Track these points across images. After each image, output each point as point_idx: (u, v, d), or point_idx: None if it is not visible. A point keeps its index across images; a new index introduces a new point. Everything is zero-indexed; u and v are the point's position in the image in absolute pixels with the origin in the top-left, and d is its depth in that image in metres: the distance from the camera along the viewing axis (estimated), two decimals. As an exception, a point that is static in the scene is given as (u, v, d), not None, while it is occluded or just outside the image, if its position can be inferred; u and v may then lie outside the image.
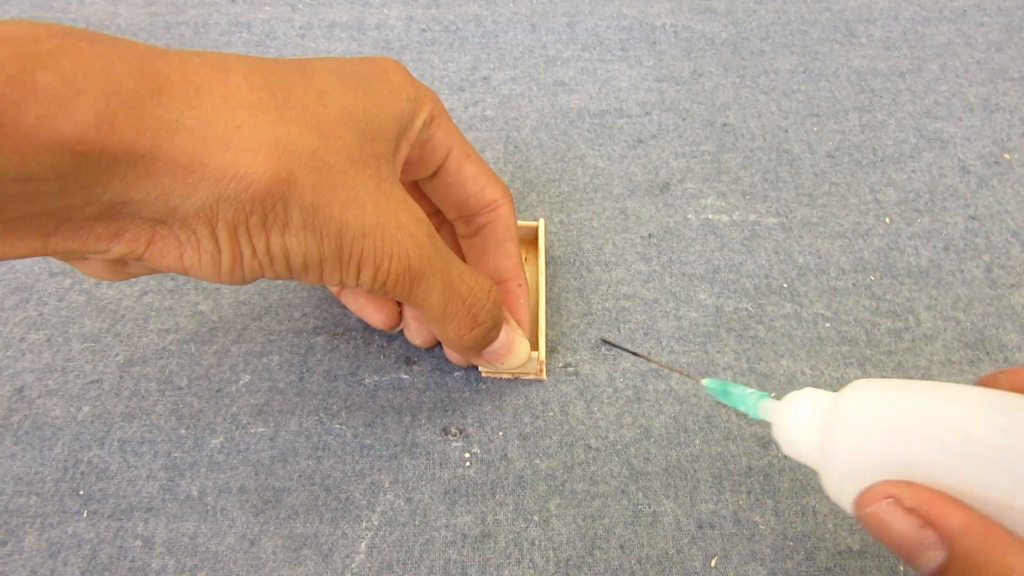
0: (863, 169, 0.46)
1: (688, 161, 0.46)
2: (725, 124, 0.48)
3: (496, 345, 0.33)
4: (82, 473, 0.35)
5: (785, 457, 0.26)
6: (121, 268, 0.27)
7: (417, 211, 0.28)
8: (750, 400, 0.27)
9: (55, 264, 0.41)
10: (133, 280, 0.40)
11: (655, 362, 0.33)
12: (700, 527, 0.33)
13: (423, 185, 0.35)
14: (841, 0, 0.54)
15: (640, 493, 0.34)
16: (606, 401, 0.37)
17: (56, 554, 0.33)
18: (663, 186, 0.45)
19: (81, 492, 0.34)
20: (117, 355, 0.38)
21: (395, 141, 0.29)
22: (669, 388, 0.37)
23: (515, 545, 0.33)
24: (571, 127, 0.47)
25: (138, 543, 0.33)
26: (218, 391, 0.37)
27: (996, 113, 0.48)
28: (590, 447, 0.35)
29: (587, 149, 0.46)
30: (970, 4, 0.54)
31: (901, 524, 0.20)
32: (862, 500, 0.21)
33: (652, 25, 0.53)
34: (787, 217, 0.43)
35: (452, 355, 0.36)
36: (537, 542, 0.33)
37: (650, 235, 0.43)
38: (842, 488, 0.22)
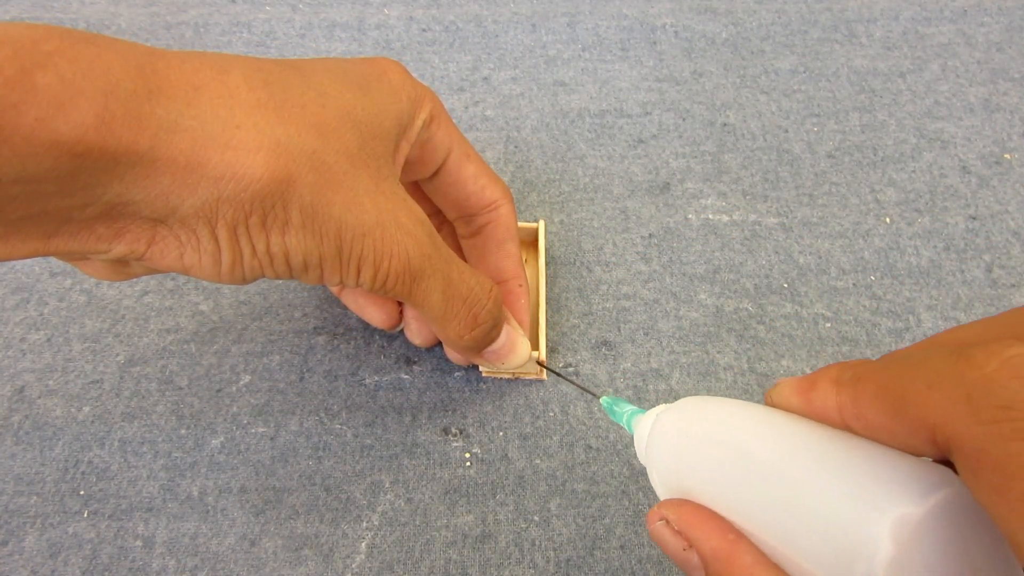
0: (863, 169, 0.46)
1: (688, 161, 0.46)
2: (725, 124, 0.48)
3: (497, 345, 0.33)
4: (82, 473, 0.35)
5: None
6: (122, 268, 0.27)
7: (417, 211, 0.28)
8: (625, 417, 0.27)
9: (55, 264, 0.41)
10: (133, 280, 0.40)
11: (572, 381, 0.35)
12: (700, 527, 0.33)
13: (423, 185, 0.35)
14: (841, 0, 0.54)
15: (640, 493, 0.34)
16: (606, 401, 0.37)
17: (56, 554, 0.33)
18: (663, 186, 0.45)
19: (81, 492, 0.34)
20: (117, 355, 0.38)
21: (395, 141, 0.29)
22: (669, 388, 0.37)
23: (515, 545, 0.33)
24: (571, 127, 0.47)
25: (138, 543, 0.33)
26: (218, 391, 0.37)
27: (996, 113, 0.48)
28: (590, 447, 0.35)
29: (587, 149, 0.46)
30: (970, 4, 0.54)
31: (671, 545, 0.21)
32: (648, 519, 0.22)
33: (652, 25, 0.53)
34: (787, 217, 0.43)
35: (452, 355, 0.36)
36: (537, 542, 0.33)
37: (650, 235, 0.43)
38: (660, 495, 0.23)
